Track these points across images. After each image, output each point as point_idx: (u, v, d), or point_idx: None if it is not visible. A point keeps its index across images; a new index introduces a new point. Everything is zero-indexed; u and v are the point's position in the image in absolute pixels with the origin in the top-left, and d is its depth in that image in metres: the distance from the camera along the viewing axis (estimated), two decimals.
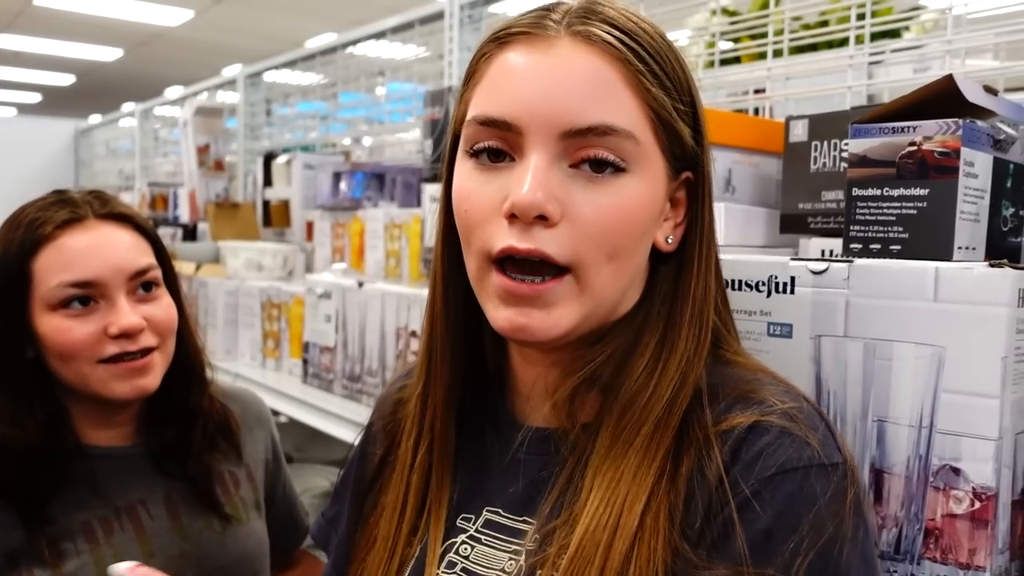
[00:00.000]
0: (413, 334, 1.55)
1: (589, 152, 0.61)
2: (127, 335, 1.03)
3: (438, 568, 0.70)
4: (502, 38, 0.65)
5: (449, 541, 0.71)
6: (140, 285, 1.06)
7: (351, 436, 1.54)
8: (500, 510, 0.70)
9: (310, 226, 2.64)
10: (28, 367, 1.06)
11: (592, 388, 0.66)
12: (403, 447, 0.77)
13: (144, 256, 1.08)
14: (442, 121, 1.90)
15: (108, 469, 1.10)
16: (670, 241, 0.67)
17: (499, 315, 0.63)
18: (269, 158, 2.89)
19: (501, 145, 0.62)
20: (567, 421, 0.67)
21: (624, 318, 0.67)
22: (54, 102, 11.62)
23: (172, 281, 1.13)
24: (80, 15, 6.97)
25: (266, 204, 2.95)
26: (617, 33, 0.62)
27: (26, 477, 1.03)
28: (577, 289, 0.62)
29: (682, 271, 0.67)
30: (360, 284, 1.72)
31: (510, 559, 0.67)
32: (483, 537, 0.70)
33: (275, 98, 3.34)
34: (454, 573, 0.69)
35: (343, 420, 1.64)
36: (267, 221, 2.96)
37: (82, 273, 1.03)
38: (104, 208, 1.07)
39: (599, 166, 0.61)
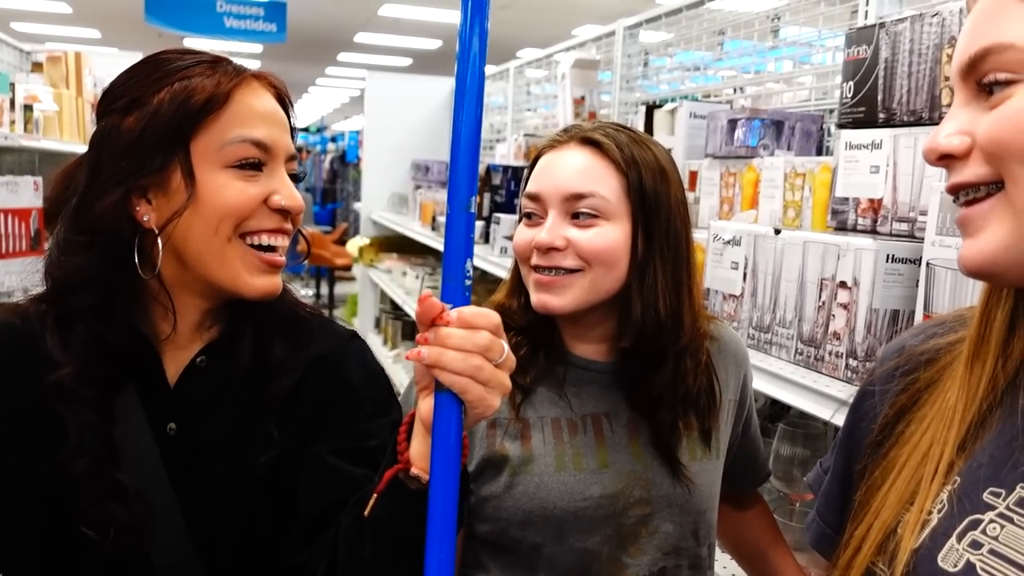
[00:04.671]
0: (842, 284, 1.45)
1: None
2: (539, 249, 1.11)
3: (959, 544, 0.63)
4: None
5: (973, 517, 0.64)
6: (576, 210, 1.10)
7: (759, 383, 1.49)
8: None
9: (692, 176, 2.61)
10: None
11: None
12: (935, 405, 0.72)
13: (591, 184, 1.09)
14: (869, 61, 1.75)
15: (583, 378, 1.17)
16: None
17: None
18: (651, 108, 2.89)
19: None
20: None
21: None
22: (422, 65, 12.82)
23: (652, 221, 1.11)
24: None
25: None
26: None
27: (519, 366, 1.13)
28: None
29: None
30: (777, 231, 1.65)
31: None
32: (1015, 516, 0.62)
33: (653, 49, 3.34)
34: (981, 554, 0.62)
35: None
36: None
37: (532, 187, 1.14)
38: (585, 132, 1.13)
39: None
